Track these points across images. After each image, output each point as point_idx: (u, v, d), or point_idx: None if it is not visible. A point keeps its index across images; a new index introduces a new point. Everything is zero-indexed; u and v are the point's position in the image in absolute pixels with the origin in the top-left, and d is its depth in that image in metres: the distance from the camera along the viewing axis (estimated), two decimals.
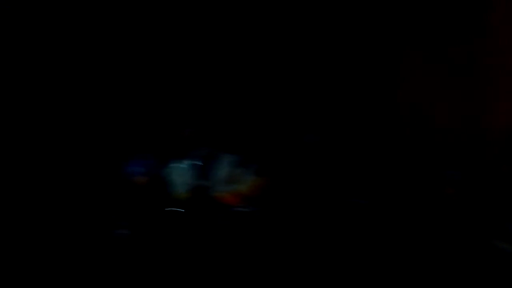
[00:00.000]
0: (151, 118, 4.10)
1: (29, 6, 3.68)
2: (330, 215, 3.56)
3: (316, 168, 3.77)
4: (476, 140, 3.84)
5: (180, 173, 3.75)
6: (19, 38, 3.72)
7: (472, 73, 3.90)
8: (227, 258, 3.32)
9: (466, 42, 3.90)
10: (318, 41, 4.27)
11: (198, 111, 4.14)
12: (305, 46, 4.32)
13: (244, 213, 3.56)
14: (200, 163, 3.83)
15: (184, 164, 3.83)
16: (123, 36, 4.07)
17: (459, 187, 3.21)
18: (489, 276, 2.87)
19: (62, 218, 3.51)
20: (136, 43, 4.10)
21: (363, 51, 4.26)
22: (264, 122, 4.15)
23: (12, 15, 3.63)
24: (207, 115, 4.12)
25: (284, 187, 3.67)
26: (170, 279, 3.13)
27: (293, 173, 3.75)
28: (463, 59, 3.94)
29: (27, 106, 3.79)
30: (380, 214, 3.45)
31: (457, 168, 3.37)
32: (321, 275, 3.17)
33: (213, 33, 4.22)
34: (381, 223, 3.40)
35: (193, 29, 4.14)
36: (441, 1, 4.02)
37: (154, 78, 4.09)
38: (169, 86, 4.15)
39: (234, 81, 4.20)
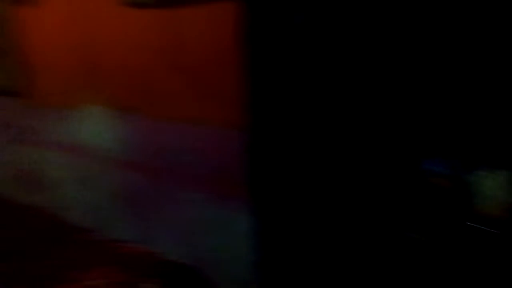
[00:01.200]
0: (461, 113, 3.51)
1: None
2: None
3: None
4: None
5: (492, 184, 3.19)
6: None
7: None
8: None
9: None
10: None
11: None
12: None
13: None
14: None
15: (499, 174, 3.19)
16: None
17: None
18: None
19: (354, 214, 3.34)
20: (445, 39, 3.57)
21: None
22: None
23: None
24: None
25: None
26: None
27: None
28: None
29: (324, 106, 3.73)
30: None
31: None
32: None
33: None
34: None
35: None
36: None
37: (465, 68, 3.48)
38: (483, 74, 3.48)
39: None
